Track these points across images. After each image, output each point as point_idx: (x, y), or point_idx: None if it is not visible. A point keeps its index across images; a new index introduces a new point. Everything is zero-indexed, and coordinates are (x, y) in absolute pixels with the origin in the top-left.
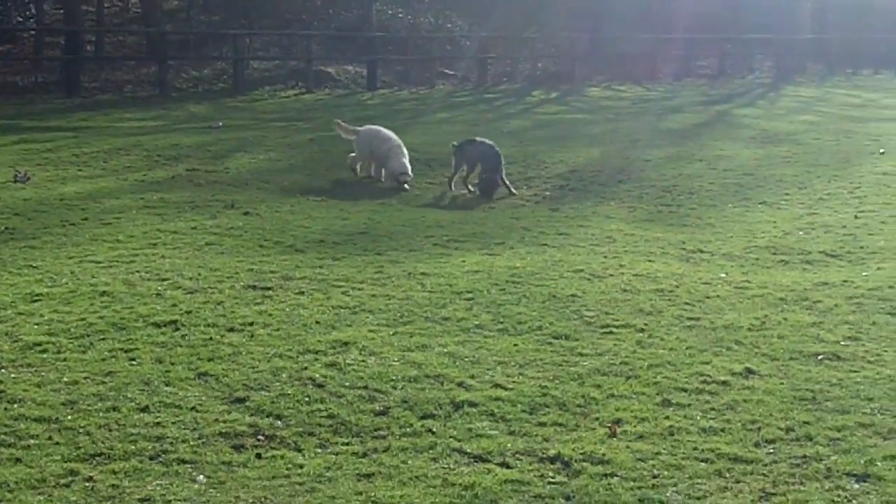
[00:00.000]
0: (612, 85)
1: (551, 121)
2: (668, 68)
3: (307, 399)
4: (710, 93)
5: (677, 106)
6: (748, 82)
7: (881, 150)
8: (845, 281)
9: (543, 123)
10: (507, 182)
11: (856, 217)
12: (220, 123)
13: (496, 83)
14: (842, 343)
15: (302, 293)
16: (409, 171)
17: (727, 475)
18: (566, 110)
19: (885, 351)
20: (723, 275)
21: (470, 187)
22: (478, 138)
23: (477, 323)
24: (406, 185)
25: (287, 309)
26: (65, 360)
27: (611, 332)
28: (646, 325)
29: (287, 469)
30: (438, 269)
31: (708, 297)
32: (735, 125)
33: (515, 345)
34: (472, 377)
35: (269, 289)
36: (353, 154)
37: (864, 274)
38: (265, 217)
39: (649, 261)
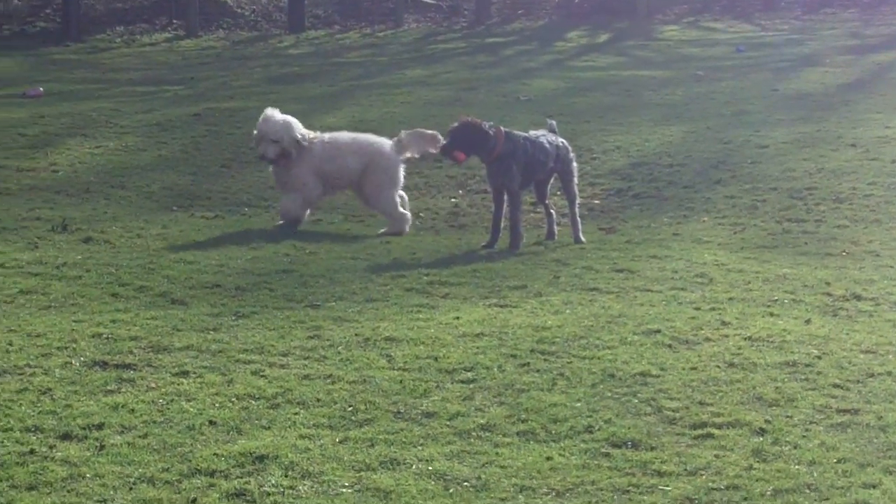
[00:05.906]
0: (700, 20)
1: (600, 81)
2: None
3: None
4: (864, 32)
5: (812, 55)
6: None
7: None
8: None
9: (586, 86)
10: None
11: None
12: (41, 89)
13: (506, 18)
14: None
15: (185, 374)
16: None
17: None
18: (624, 63)
19: None
20: None
21: None
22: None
23: (482, 422)
24: None
25: (160, 401)
26: None
27: (709, 436)
28: (768, 422)
29: None
30: (415, 332)
31: (871, 376)
32: None
33: (548, 458)
34: None
35: (128, 367)
36: None
37: None
38: (119, 246)
39: (771, 314)
